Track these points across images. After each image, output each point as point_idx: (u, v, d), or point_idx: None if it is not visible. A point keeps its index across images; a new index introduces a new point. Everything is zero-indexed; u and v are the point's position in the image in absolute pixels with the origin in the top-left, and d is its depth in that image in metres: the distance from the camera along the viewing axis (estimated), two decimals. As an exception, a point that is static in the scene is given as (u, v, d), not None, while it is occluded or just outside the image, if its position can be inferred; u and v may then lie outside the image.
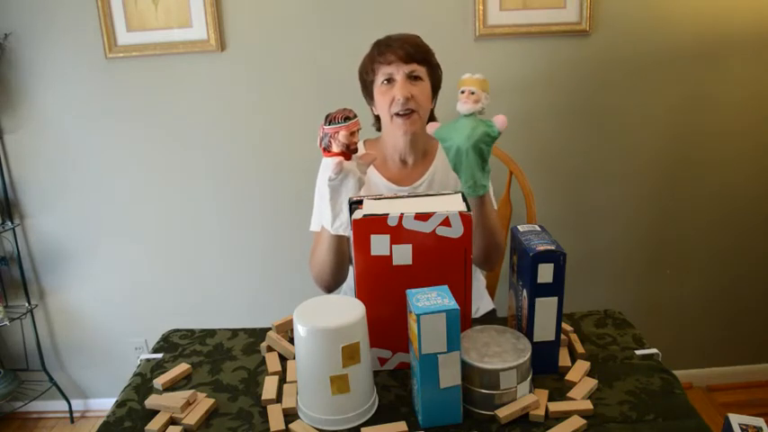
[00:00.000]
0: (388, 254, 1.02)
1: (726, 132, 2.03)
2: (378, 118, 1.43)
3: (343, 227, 1.14)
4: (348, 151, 1.10)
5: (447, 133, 1.14)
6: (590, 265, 2.13)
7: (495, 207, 1.44)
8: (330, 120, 1.10)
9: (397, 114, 1.32)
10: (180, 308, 2.19)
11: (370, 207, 1.05)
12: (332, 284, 1.34)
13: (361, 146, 1.45)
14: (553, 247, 1.01)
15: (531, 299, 1.03)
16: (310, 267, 1.34)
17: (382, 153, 1.43)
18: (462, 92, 1.12)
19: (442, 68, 1.41)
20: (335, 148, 1.10)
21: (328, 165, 1.09)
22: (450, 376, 0.92)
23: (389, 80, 1.32)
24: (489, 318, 1.52)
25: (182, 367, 1.14)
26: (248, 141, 2.02)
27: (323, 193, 1.14)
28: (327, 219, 1.15)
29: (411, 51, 1.31)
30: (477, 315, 1.53)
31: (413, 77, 1.31)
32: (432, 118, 1.44)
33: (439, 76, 1.40)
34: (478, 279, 1.58)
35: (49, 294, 2.21)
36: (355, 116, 1.10)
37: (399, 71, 1.30)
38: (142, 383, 1.12)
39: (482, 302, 1.57)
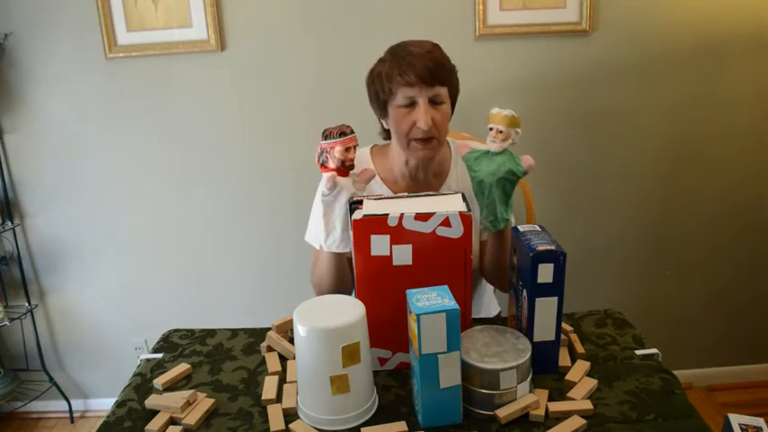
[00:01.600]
0: (388, 254, 1.02)
1: (726, 132, 2.03)
2: (388, 132, 1.35)
3: (336, 244, 1.12)
4: (343, 167, 1.09)
5: (475, 164, 1.12)
6: (590, 265, 2.13)
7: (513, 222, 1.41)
8: (326, 135, 1.09)
9: (414, 139, 1.24)
10: (180, 308, 2.19)
11: (370, 207, 1.05)
12: None
13: (366, 153, 1.39)
14: (553, 247, 1.01)
15: (531, 299, 1.03)
16: (311, 282, 1.32)
17: (390, 165, 1.36)
18: (491, 128, 1.10)
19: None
20: (331, 164, 1.09)
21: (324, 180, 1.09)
22: (450, 376, 0.92)
23: (410, 104, 1.21)
24: (490, 318, 1.51)
25: (182, 367, 1.14)
26: (248, 141, 2.02)
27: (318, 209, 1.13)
28: (322, 235, 1.13)
29: (434, 71, 1.19)
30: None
31: (436, 102, 1.22)
32: None
33: (458, 88, 1.29)
34: (486, 286, 1.55)
35: (49, 294, 2.21)
36: (352, 132, 1.09)
37: (422, 95, 1.19)
38: (142, 383, 1.12)
39: (491, 309, 1.56)
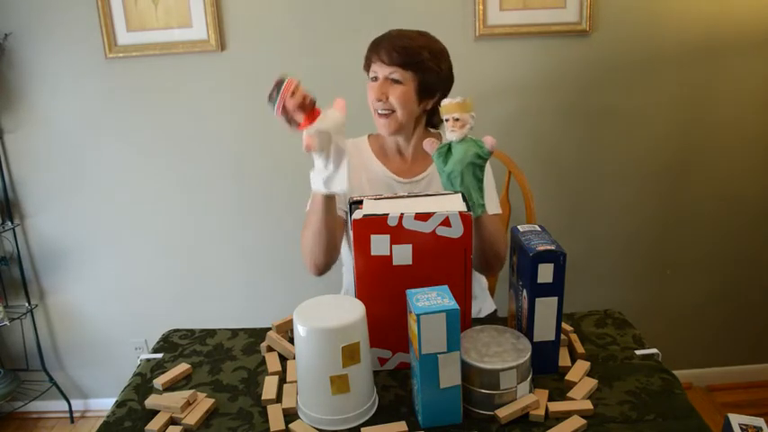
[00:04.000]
0: (388, 254, 1.02)
1: (726, 132, 2.03)
2: None
3: (331, 182, 1.10)
4: (306, 109, 1.04)
5: (443, 160, 1.14)
6: (590, 265, 2.13)
7: (499, 210, 1.44)
8: (271, 98, 1.03)
9: (377, 113, 1.35)
10: (180, 308, 2.19)
11: (370, 207, 1.05)
12: (320, 261, 1.28)
13: (364, 140, 1.47)
14: (553, 247, 1.01)
15: (531, 299, 1.03)
16: (301, 248, 1.31)
17: (383, 144, 1.45)
18: (446, 120, 1.12)
19: (445, 69, 1.37)
20: (298, 118, 1.04)
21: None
22: (450, 376, 0.92)
23: (375, 78, 1.35)
24: (490, 318, 1.52)
25: (182, 367, 1.14)
26: (248, 141, 2.02)
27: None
28: (318, 182, 1.13)
29: (395, 55, 1.31)
30: (480, 316, 1.53)
31: (392, 80, 1.33)
32: (431, 120, 1.44)
33: (432, 78, 1.35)
34: (480, 281, 1.58)
35: (49, 294, 2.21)
36: (285, 77, 1.03)
37: (381, 72, 1.33)
38: (142, 383, 1.12)
39: (484, 304, 1.57)
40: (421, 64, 1.33)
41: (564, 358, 1.10)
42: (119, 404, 1.06)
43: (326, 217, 1.20)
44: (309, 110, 1.05)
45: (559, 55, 1.93)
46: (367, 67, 1.39)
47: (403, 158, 1.44)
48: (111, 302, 2.20)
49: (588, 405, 0.97)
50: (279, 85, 1.02)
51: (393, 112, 1.34)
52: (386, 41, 1.34)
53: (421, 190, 1.41)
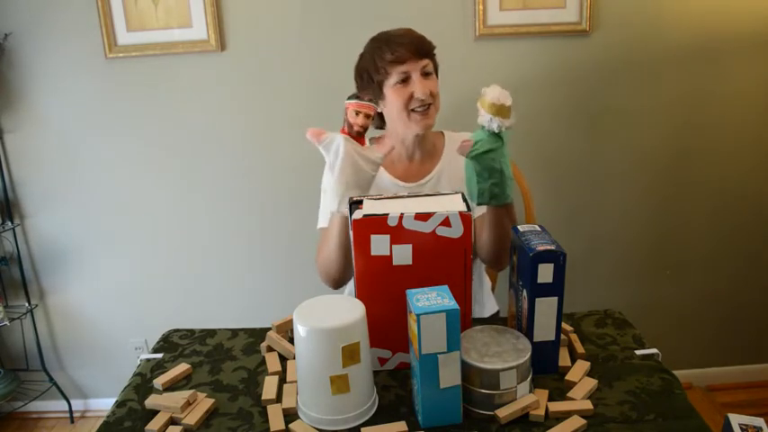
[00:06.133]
0: (388, 254, 1.02)
1: (725, 131, 2.03)
2: (380, 115, 1.41)
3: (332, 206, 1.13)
4: (350, 131, 1.11)
5: (488, 154, 1.15)
6: (590, 264, 2.13)
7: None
8: (355, 97, 1.11)
9: (414, 110, 1.33)
10: (180, 308, 2.19)
11: (370, 207, 1.05)
12: (338, 278, 1.29)
13: (367, 144, 1.44)
14: (553, 247, 1.01)
15: (531, 299, 1.03)
16: (317, 267, 1.32)
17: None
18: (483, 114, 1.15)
19: (439, 67, 1.41)
20: (346, 127, 1.12)
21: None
22: (450, 376, 0.92)
23: (405, 79, 1.32)
24: (490, 318, 1.52)
25: (182, 367, 1.14)
26: (248, 141, 2.02)
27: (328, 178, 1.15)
28: (333, 203, 1.15)
29: (419, 45, 1.32)
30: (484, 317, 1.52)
31: (426, 73, 1.33)
32: None
33: (437, 64, 1.42)
34: (484, 282, 1.57)
35: (49, 294, 2.21)
36: (370, 100, 1.12)
37: (415, 68, 1.31)
38: (142, 383, 1.12)
39: (488, 305, 1.56)
40: (433, 54, 1.38)
41: (564, 358, 1.10)
42: (119, 404, 1.05)
43: (342, 235, 1.20)
44: (351, 132, 1.12)
45: (559, 55, 1.93)
46: (382, 71, 1.32)
47: (411, 161, 1.43)
48: (111, 302, 2.20)
49: (588, 405, 0.97)
50: (358, 97, 1.10)
51: (430, 105, 1.34)
52: (404, 38, 1.33)
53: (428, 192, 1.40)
